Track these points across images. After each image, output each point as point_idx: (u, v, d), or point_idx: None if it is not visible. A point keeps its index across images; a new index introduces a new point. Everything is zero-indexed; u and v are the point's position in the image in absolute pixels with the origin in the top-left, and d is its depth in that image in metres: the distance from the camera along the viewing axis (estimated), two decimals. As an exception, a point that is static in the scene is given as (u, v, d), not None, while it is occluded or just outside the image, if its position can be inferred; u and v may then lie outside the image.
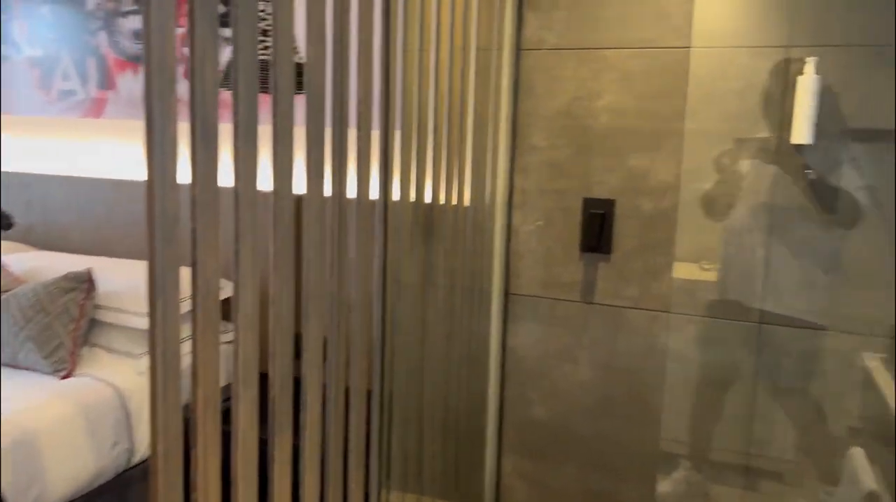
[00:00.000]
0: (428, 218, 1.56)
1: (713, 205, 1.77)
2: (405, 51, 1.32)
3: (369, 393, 1.40)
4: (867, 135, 1.62)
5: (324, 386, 1.12)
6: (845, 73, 1.62)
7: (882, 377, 1.71)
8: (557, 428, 2.02)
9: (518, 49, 1.92)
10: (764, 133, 1.71)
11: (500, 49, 1.89)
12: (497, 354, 2.06)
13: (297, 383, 1.03)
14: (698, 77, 1.74)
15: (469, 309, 1.89)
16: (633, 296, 1.89)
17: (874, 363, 1.75)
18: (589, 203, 1.89)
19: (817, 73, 1.61)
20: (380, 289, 1.33)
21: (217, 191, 0.74)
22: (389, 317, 1.39)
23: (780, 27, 1.65)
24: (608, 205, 1.87)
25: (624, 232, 1.87)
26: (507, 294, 2.04)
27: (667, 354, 1.87)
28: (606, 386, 1.95)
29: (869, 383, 1.73)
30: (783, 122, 1.68)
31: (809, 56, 1.62)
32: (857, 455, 1.44)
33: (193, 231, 0.70)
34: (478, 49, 1.73)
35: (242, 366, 0.84)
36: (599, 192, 1.88)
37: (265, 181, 0.90)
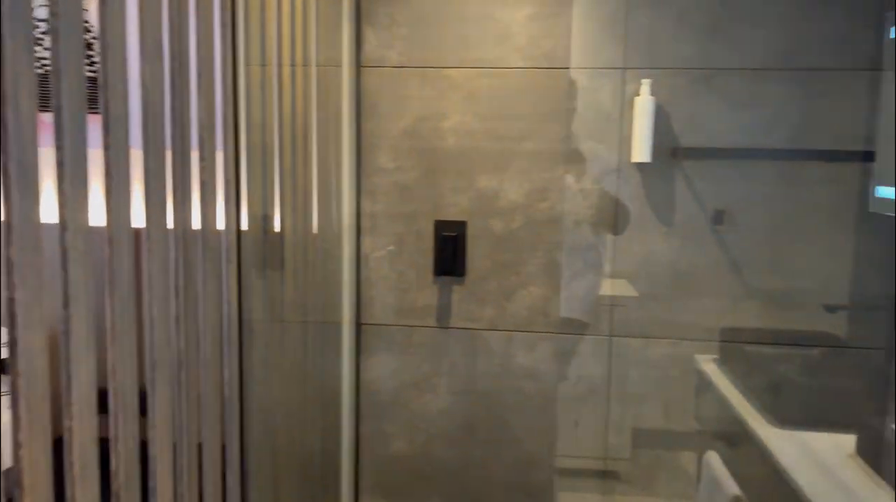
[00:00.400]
0: (277, 248, 1.43)
1: (560, 224, 1.82)
2: (247, 67, 1.20)
3: (223, 448, 1.24)
4: (698, 153, 1.76)
5: (174, 446, 0.96)
6: (676, 94, 1.74)
7: (718, 378, 1.86)
8: (419, 462, 1.97)
9: (359, 66, 1.85)
10: (605, 152, 1.79)
11: (339, 66, 1.81)
12: (350, 390, 1.96)
13: (143, 446, 0.87)
14: (541, 97, 1.78)
15: (321, 344, 1.78)
16: (488, 318, 1.89)
17: (709, 366, 1.90)
18: (440, 225, 1.87)
19: (652, 94, 1.71)
20: (235, 332, 1.19)
21: (40, 247, 0.59)
22: (245, 362, 1.24)
23: (616, 50, 1.74)
24: (460, 227, 1.86)
25: (477, 253, 1.86)
26: (358, 325, 1.95)
27: (525, 373, 1.89)
28: (467, 412, 1.93)
29: (707, 384, 1.87)
30: (623, 141, 1.77)
31: (644, 78, 1.72)
32: (713, 459, 1.54)
33: (11, 302, 0.55)
34: (318, 66, 1.63)
35: (78, 454, 0.69)
36: (451, 214, 1.86)
37: (97, 216, 0.74)
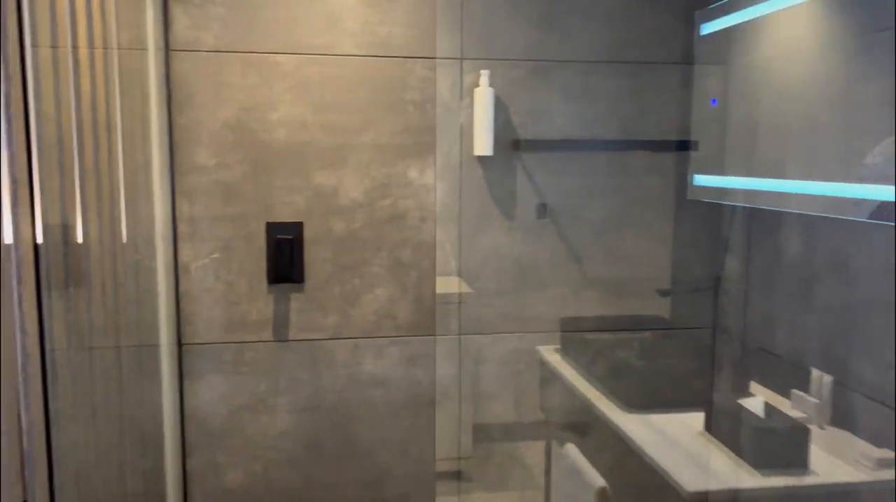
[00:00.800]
0: (81, 262, 1.24)
1: (404, 221, 1.78)
2: (35, 48, 1.02)
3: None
4: (538, 146, 1.81)
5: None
6: (514, 86, 1.77)
7: (563, 368, 1.93)
8: (259, 492, 1.83)
9: (168, 50, 1.67)
10: (447, 145, 1.78)
11: (144, 50, 1.62)
12: (173, 420, 1.77)
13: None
14: (380, 89, 1.73)
15: (137, 371, 1.58)
16: (332, 326, 1.80)
17: (552, 356, 1.97)
18: (273, 228, 1.75)
19: (491, 85, 1.73)
20: (36, 367, 1.00)
21: None
22: (50, 403, 1.06)
23: (453, 39, 1.74)
24: (296, 228, 1.75)
25: (317, 257, 1.77)
26: (180, 345, 1.77)
27: (374, 381, 1.83)
28: (312, 431, 1.83)
29: (553, 375, 1.93)
30: (464, 133, 1.77)
31: (483, 69, 1.73)
32: (572, 450, 1.58)
33: None
34: (120, 49, 1.44)
35: None
36: (285, 215, 1.75)
37: None
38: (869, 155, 1.25)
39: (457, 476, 1.97)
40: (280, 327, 1.78)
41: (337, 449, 1.84)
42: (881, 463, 1.26)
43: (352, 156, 1.75)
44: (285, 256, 1.74)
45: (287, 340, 1.79)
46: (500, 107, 1.77)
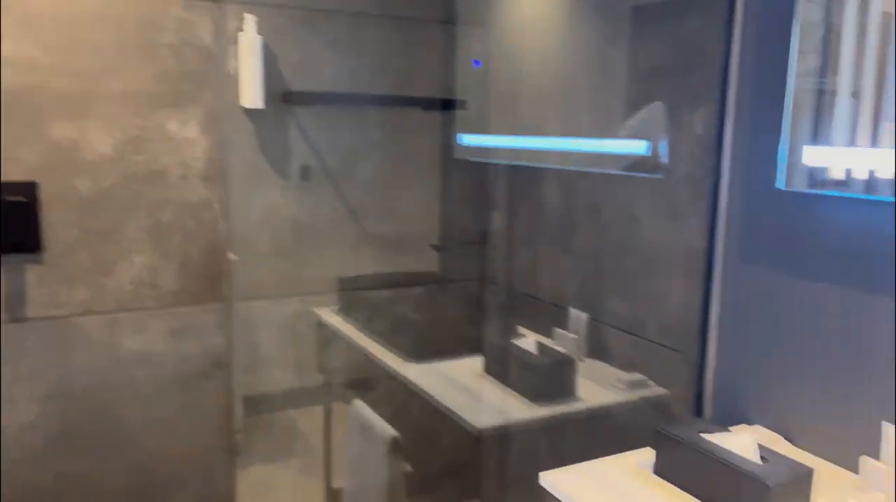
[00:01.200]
0: None
1: (165, 179, 1.61)
2: None
3: None
4: (311, 99, 1.73)
5: None
6: (282, 34, 1.67)
7: (343, 327, 1.90)
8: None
9: None
10: (211, 95, 1.64)
11: None
12: None
13: None
14: (128, 28, 1.53)
15: None
16: (82, 300, 1.58)
17: (332, 317, 1.94)
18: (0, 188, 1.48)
19: (259, 33, 1.62)
20: None
21: None
22: None
23: (213, -21, 1.59)
24: (29, 188, 1.50)
25: (58, 221, 1.53)
26: None
27: (136, 359, 1.65)
28: (62, 420, 1.60)
29: (335, 336, 1.90)
30: (230, 83, 1.64)
31: (247, 13, 1.61)
32: (360, 407, 1.57)
33: None
34: None
35: None
36: (14, 173, 1.48)
37: None
38: (632, 118, 1.38)
39: (231, 450, 1.87)
40: (15, 305, 1.53)
41: (95, 438, 1.64)
42: (632, 385, 1.43)
43: (97, 105, 1.53)
44: (17, 222, 1.49)
45: (25, 319, 1.54)
46: (268, 56, 1.66)
